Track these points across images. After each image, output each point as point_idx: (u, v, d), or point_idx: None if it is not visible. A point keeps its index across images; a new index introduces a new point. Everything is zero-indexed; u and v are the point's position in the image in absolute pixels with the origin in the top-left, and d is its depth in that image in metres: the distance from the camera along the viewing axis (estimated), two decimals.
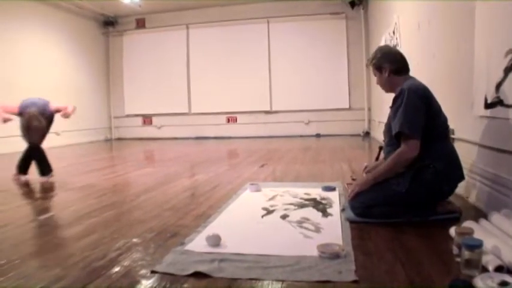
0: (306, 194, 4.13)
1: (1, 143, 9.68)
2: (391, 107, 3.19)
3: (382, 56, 3.34)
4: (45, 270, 2.31)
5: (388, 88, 3.40)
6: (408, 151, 2.96)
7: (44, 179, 5.73)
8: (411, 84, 3.12)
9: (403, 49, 6.80)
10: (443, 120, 3.18)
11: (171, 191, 4.60)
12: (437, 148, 3.04)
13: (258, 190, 4.36)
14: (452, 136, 3.99)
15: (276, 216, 3.36)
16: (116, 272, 2.25)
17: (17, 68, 10.40)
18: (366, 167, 3.91)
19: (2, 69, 9.97)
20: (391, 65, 3.28)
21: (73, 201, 4.35)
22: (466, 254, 2.06)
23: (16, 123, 5.88)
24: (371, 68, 3.46)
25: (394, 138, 3.09)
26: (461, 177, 3.14)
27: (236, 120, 13.58)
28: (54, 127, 11.07)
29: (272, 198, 4.00)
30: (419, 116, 2.98)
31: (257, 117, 13.35)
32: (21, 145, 5.83)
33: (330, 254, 2.33)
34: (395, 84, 3.26)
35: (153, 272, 2.23)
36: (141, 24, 14.12)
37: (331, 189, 4.25)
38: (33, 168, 5.76)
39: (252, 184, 4.48)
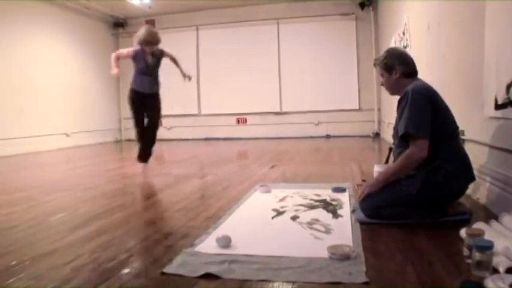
0: (316, 195, 4.13)
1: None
2: (397, 110, 3.19)
3: (394, 56, 3.31)
4: (56, 271, 2.32)
5: (394, 90, 3.37)
6: (417, 152, 2.94)
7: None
8: (415, 85, 3.11)
9: (412, 50, 6.79)
10: (451, 120, 3.17)
11: (181, 192, 4.61)
12: (447, 149, 3.03)
13: (268, 191, 4.35)
14: (462, 137, 3.97)
15: (286, 218, 3.36)
16: (127, 273, 2.26)
17: (26, 68, 10.46)
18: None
19: (11, 70, 10.03)
20: (402, 67, 3.25)
21: (84, 202, 4.37)
22: (477, 255, 2.05)
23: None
24: (378, 68, 3.42)
25: (402, 141, 3.08)
26: (471, 178, 3.12)
27: (246, 121, 13.57)
28: (63, 128, 11.18)
29: (282, 200, 3.99)
30: (425, 116, 2.96)
31: (267, 118, 13.34)
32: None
33: (340, 255, 2.32)
34: (402, 87, 3.22)
35: (163, 273, 2.23)
36: (150, 25, 14.12)
37: (341, 190, 4.25)
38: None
39: (262, 185, 4.48)
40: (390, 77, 3.31)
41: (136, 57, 6.30)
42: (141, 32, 6.24)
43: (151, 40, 6.25)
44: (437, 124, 2.98)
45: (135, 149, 6.31)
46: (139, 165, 6.20)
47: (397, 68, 3.26)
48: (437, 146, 2.97)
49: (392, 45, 8.84)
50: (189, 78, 7.13)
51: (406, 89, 3.09)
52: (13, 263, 2.46)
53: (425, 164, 2.96)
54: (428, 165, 2.96)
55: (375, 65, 3.46)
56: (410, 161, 2.97)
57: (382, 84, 3.48)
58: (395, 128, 3.24)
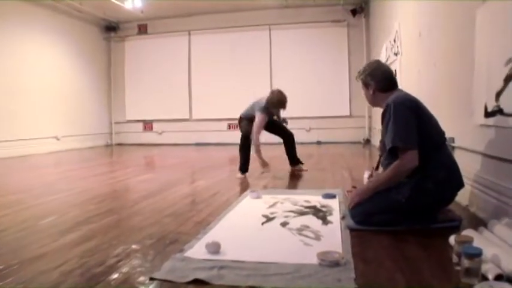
0: (306, 201, 4.13)
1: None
2: (382, 123, 3.18)
3: (369, 72, 3.34)
4: (44, 276, 2.31)
5: (373, 103, 3.46)
6: (407, 162, 2.93)
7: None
8: (396, 96, 3.12)
9: (404, 57, 6.82)
10: (436, 127, 3.17)
11: (171, 197, 4.59)
12: (436, 157, 3.03)
13: (259, 197, 4.35)
14: (452, 144, 4.00)
15: (276, 224, 3.36)
16: (115, 278, 2.25)
17: (18, 72, 10.43)
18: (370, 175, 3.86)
19: (3, 73, 10.00)
20: (376, 83, 3.29)
21: (73, 206, 4.35)
22: (466, 262, 2.06)
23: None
24: (359, 81, 3.47)
25: (391, 153, 3.07)
26: (461, 185, 3.13)
27: (237, 127, 13.51)
28: (53, 131, 11.14)
29: (272, 206, 3.99)
30: (410, 127, 2.95)
31: None
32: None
33: (329, 262, 2.32)
34: (381, 101, 3.27)
35: (152, 279, 2.22)
36: (143, 29, 14.13)
37: (332, 196, 4.25)
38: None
39: (252, 191, 4.48)
40: (368, 91, 3.38)
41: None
42: (274, 95, 6.89)
43: (283, 103, 6.95)
44: (422, 133, 2.97)
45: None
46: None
47: (372, 84, 3.31)
48: (425, 154, 2.97)
49: (383, 52, 8.88)
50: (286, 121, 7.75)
51: (388, 101, 3.10)
52: (1, 267, 2.44)
53: (414, 173, 2.96)
54: (418, 173, 2.97)
55: (356, 78, 3.52)
56: (401, 171, 2.96)
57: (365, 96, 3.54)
58: (382, 141, 3.23)
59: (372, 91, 3.32)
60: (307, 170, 6.50)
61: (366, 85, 3.37)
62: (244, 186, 5.10)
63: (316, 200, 4.17)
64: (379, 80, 3.29)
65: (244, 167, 6.19)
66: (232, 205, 4.06)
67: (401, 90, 3.30)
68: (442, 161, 3.06)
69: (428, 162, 2.98)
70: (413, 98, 3.18)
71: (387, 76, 3.33)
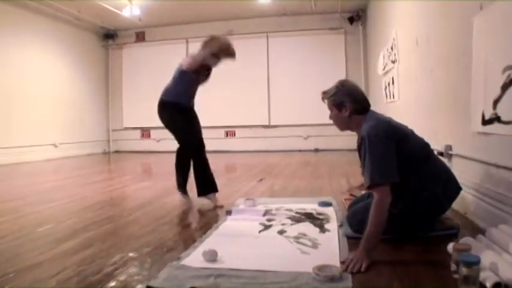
0: (303, 209, 4.11)
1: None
2: (359, 157, 3.05)
3: (343, 93, 3.07)
4: (41, 284, 2.30)
5: (344, 127, 3.19)
6: (382, 198, 2.72)
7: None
8: (369, 127, 2.89)
9: (401, 65, 6.83)
10: (418, 143, 3.11)
11: (168, 205, 4.59)
12: (427, 169, 2.99)
13: (254, 205, 4.33)
14: (449, 152, 4.00)
15: (273, 232, 3.35)
16: (112, 286, 2.24)
17: (16, 79, 10.43)
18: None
19: (1, 80, 10.00)
20: (353, 104, 3.03)
21: (70, 214, 4.34)
22: (464, 270, 2.05)
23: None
24: (326, 103, 3.20)
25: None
26: (458, 190, 3.10)
27: (235, 134, 13.56)
28: (51, 139, 11.11)
29: (269, 213, 3.98)
30: (388, 160, 2.79)
31: (256, 131, 13.34)
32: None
33: (324, 277, 2.25)
34: (354, 124, 3.07)
35: (148, 287, 2.22)
36: (140, 37, 14.14)
37: (327, 204, 4.24)
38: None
39: (247, 199, 4.46)
40: (340, 113, 3.09)
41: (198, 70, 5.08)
42: (223, 41, 5.02)
43: (232, 53, 5.11)
44: (404, 153, 2.87)
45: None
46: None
47: (347, 105, 3.04)
48: (419, 172, 2.96)
49: (380, 60, 8.89)
50: None
51: (362, 133, 2.92)
52: None
53: (411, 189, 2.93)
54: (412, 188, 2.94)
55: (323, 99, 3.23)
56: (382, 210, 2.71)
57: (331, 118, 3.24)
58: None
59: (347, 113, 3.05)
60: (222, 206, 4.46)
61: (338, 106, 3.07)
62: (242, 194, 5.09)
63: (313, 208, 4.16)
64: (356, 102, 3.05)
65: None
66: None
67: (373, 115, 3.08)
68: (435, 173, 3.03)
69: (419, 176, 2.96)
70: (387, 121, 3.06)
71: (362, 97, 3.12)
